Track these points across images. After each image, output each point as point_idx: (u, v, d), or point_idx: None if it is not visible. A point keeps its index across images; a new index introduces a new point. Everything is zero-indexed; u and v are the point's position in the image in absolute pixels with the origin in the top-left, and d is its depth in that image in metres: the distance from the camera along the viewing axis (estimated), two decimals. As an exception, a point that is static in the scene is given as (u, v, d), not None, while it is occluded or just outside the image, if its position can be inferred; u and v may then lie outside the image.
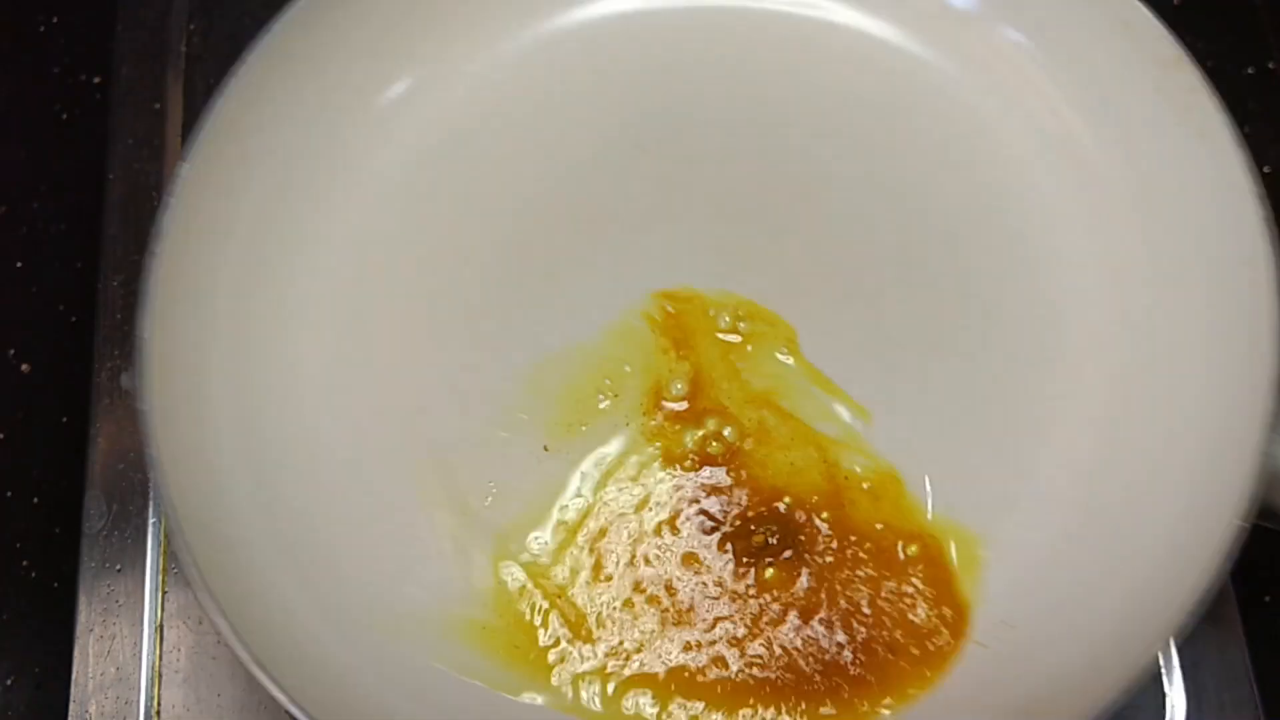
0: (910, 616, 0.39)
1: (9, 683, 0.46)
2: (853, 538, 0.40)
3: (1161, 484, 0.39)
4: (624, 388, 0.42)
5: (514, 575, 0.40)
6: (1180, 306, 0.40)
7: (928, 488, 0.41)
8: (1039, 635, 0.38)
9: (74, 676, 0.44)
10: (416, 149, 0.46)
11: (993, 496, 0.41)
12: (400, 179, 0.46)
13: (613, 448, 0.42)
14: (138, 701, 0.44)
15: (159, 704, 0.44)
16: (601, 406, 0.42)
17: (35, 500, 0.48)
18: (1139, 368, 0.41)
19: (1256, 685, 0.43)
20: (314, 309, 0.44)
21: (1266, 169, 0.56)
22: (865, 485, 0.41)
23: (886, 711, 0.38)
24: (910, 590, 0.39)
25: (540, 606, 0.40)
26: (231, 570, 0.37)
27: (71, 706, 0.44)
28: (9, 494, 0.48)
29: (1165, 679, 0.43)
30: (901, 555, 0.40)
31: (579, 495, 0.41)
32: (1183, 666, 0.43)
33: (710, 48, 0.47)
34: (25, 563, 0.48)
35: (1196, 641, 0.44)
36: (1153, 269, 0.41)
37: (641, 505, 0.41)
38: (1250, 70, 0.57)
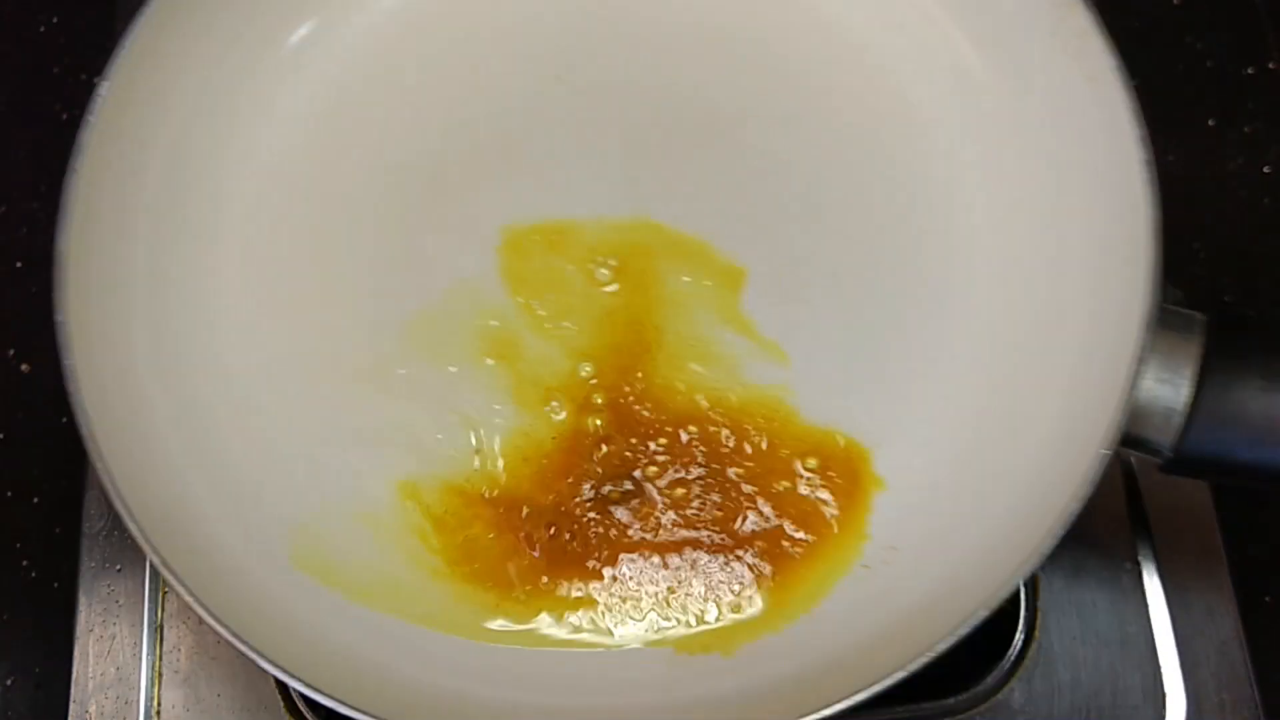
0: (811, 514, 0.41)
1: (9, 683, 0.46)
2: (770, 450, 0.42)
3: (1037, 413, 0.40)
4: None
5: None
6: (1066, 247, 0.41)
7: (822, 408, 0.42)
8: (919, 559, 0.40)
9: (74, 676, 0.44)
10: (330, 85, 0.46)
11: (882, 422, 0.42)
12: (315, 111, 0.46)
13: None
14: (138, 701, 0.44)
15: (159, 704, 0.44)
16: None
17: (35, 500, 0.48)
18: (1024, 303, 0.42)
19: (1256, 686, 0.43)
20: (228, 236, 0.44)
21: (1266, 169, 0.56)
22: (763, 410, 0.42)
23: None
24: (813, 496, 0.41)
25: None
26: (153, 489, 0.38)
27: (72, 706, 0.44)
28: (9, 494, 0.48)
29: (1164, 678, 0.43)
30: (800, 469, 0.42)
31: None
32: (1182, 667, 0.43)
33: None
34: (25, 562, 0.48)
35: (1196, 641, 0.44)
36: (1041, 209, 0.42)
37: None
38: (1250, 70, 0.57)
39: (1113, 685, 0.43)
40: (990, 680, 0.44)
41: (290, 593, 0.40)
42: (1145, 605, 0.44)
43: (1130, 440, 0.37)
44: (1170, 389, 0.36)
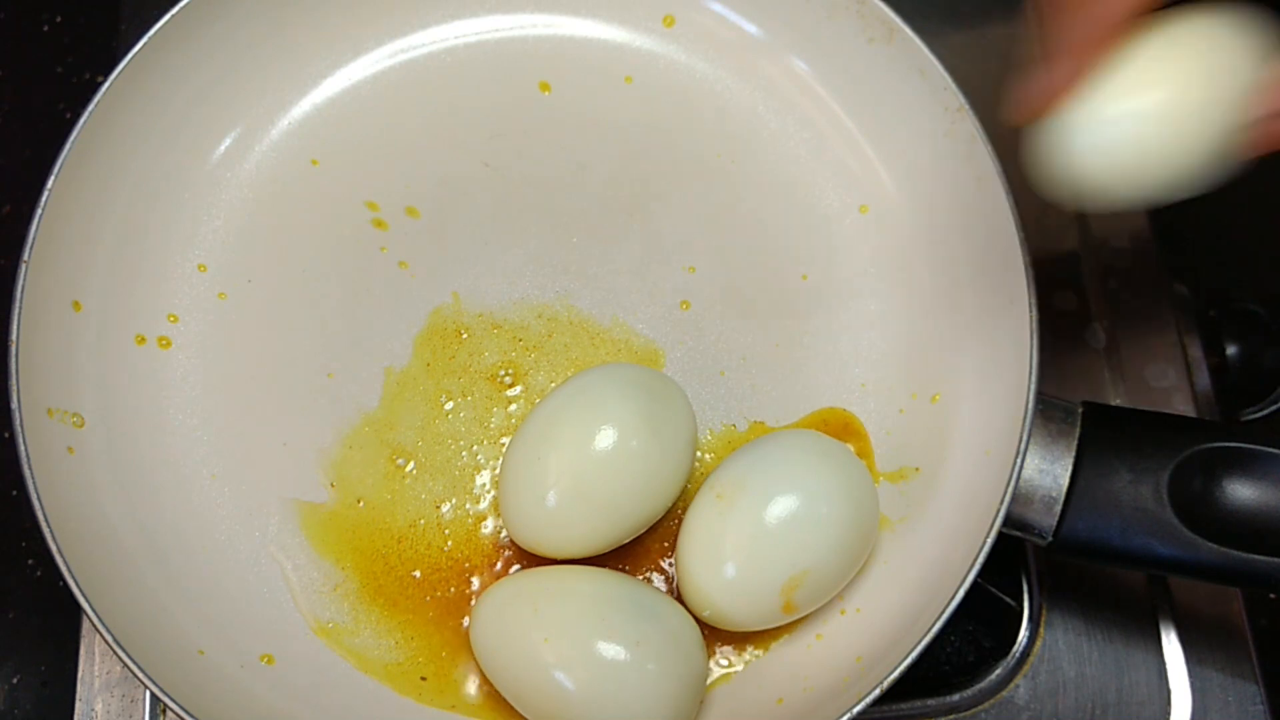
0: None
1: (15, 681, 0.47)
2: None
3: (933, 495, 0.42)
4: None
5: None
6: (959, 335, 0.44)
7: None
8: (842, 636, 0.41)
9: (80, 674, 0.44)
10: (259, 186, 0.47)
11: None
12: (250, 209, 0.47)
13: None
14: (143, 699, 0.44)
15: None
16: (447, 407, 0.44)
17: (41, 499, 0.48)
18: (920, 383, 0.44)
19: (1263, 683, 0.43)
20: (172, 330, 0.45)
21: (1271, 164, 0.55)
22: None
23: None
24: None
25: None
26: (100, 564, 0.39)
27: (78, 705, 0.44)
28: (14, 493, 0.48)
29: (1169, 674, 0.43)
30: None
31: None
32: (1188, 663, 0.43)
33: (533, 76, 0.49)
34: (31, 561, 0.48)
35: (1201, 637, 0.44)
36: (936, 303, 0.45)
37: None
38: (1256, 65, 0.57)
39: (1118, 681, 0.43)
40: (995, 677, 0.44)
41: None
42: (1150, 601, 0.44)
43: (1015, 523, 0.39)
44: (1050, 479, 0.39)
